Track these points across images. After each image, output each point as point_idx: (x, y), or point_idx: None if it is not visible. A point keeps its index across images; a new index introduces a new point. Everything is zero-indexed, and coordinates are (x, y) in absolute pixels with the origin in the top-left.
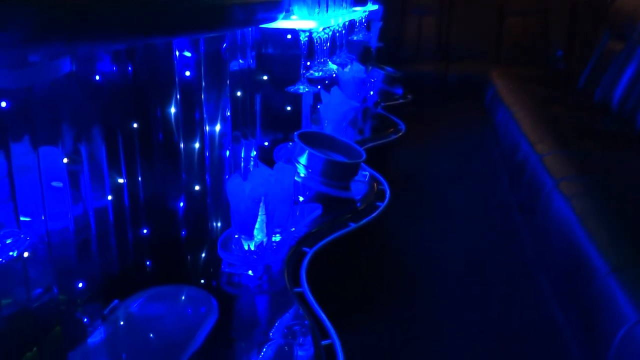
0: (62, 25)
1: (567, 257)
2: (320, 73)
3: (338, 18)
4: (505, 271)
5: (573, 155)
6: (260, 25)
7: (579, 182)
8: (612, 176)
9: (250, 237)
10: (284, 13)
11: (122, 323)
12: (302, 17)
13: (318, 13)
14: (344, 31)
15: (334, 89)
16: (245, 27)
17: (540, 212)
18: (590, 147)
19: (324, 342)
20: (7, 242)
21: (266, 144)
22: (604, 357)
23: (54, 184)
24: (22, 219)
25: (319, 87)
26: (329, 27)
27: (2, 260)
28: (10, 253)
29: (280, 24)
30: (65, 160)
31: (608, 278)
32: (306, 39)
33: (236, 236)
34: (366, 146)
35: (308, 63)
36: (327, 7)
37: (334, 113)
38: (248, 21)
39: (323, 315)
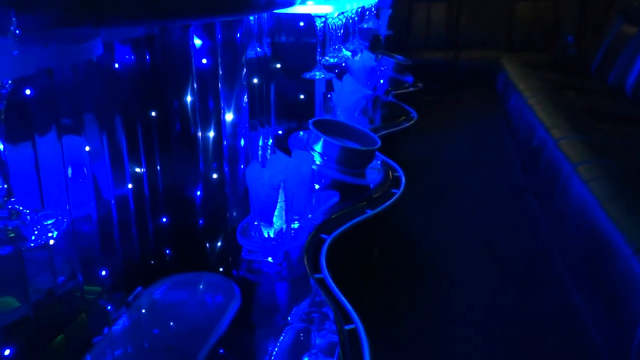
0: (91, 4)
1: (587, 240)
2: (335, 59)
3: (352, 4)
4: (522, 256)
5: (590, 139)
6: (279, 10)
7: (597, 165)
8: (629, 159)
9: (270, 224)
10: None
11: (146, 310)
12: (317, 2)
13: None
14: (356, 18)
15: (346, 77)
16: (266, 10)
17: (558, 196)
18: (606, 131)
19: (347, 327)
20: (48, 222)
21: (280, 132)
22: (629, 341)
23: (77, 173)
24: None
25: (336, 71)
26: (342, 13)
27: (42, 242)
28: (50, 234)
29: (297, 9)
30: (87, 148)
31: (632, 260)
32: (322, 24)
33: (255, 223)
34: (379, 134)
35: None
36: None
37: (346, 101)
38: (269, 5)
39: (345, 301)
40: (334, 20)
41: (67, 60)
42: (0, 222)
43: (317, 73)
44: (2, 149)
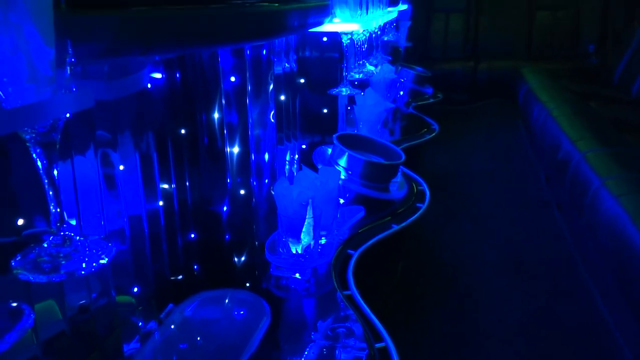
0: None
1: (618, 256)
2: (361, 75)
3: (378, 20)
4: (547, 270)
5: (617, 152)
6: (310, 30)
7: (626, 179)
8: None
9: (298, 240)
10: (330, 17)
11: (178, 327)
12: (344, 20)
13: (360, 15)
14: (379, 32)
15: (368, 91)
16: (299, 31)
17: (586, 210)
18: (634, 143)
19: (377, 345)
20: (98, 249)
21: (304, 146)
22: None
23: (111, 189)
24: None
25: (355, 82)
26: (367, 29)
27: (92, 270)
28: (102, 261)
29: (324, 27)
30: (121, 167)
31: None
32: (348, 41)
33: (283, 239)
34: (401, 146)
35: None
36: (367, 9)
37: (369, 114)
38: (302, 26)
39: (374, 318)
40: (359, 37)
41: (123, 92)
42: (54, 248)
43: (343, 89)
44: (56, 175)
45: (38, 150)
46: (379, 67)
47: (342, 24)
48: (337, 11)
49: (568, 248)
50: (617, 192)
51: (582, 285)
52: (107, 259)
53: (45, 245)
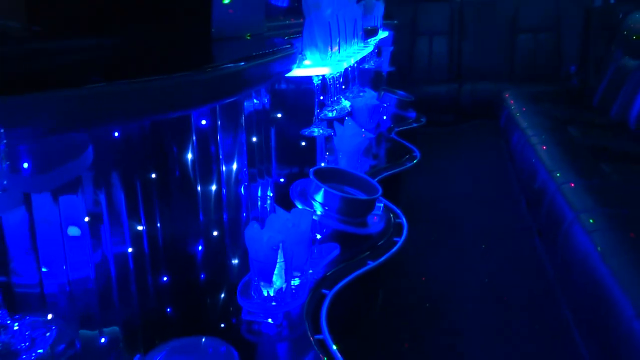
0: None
1: (590, 294)
2: (334, 113)
3: (351, 58)
4: (527, 303)
5: (593, 184)
6: (277, 78)
7: (599, 214)
8: (633, 208)
9: (270, 283)
10: (297, 63)
11: None
12: (315, 63)
13: (331, 57)
14: (355, 64)
15: (347, 121)
16: (266, 83)
17: (561, 242)
18: (609, 174)
19: None
20: (37, 336)
21: (282, 180)
22: None
23: (74, 233)
24: (43, 269)
25: (334, 124)
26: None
27: (33, 359)
28: (39, 351)
29: (294, 72)
30: (86, 219)
31: (635, 323)
32: (319, 82)
33: (255, 282)
34: (381, 176)
35: (322, 97)
36: (339, 47)
37: (348, 145)
38: (270, 77)
39: None
40: (332, 75)
41: (59, 182)
42: None
43: (316, 129)
44: None
45: None
46: (361, 94)
47: (312, 68)
48: (308, 54)
49: (548, 277)
50: (589, 227)
51: (560, 316)
52: (43, 350)
53: None
